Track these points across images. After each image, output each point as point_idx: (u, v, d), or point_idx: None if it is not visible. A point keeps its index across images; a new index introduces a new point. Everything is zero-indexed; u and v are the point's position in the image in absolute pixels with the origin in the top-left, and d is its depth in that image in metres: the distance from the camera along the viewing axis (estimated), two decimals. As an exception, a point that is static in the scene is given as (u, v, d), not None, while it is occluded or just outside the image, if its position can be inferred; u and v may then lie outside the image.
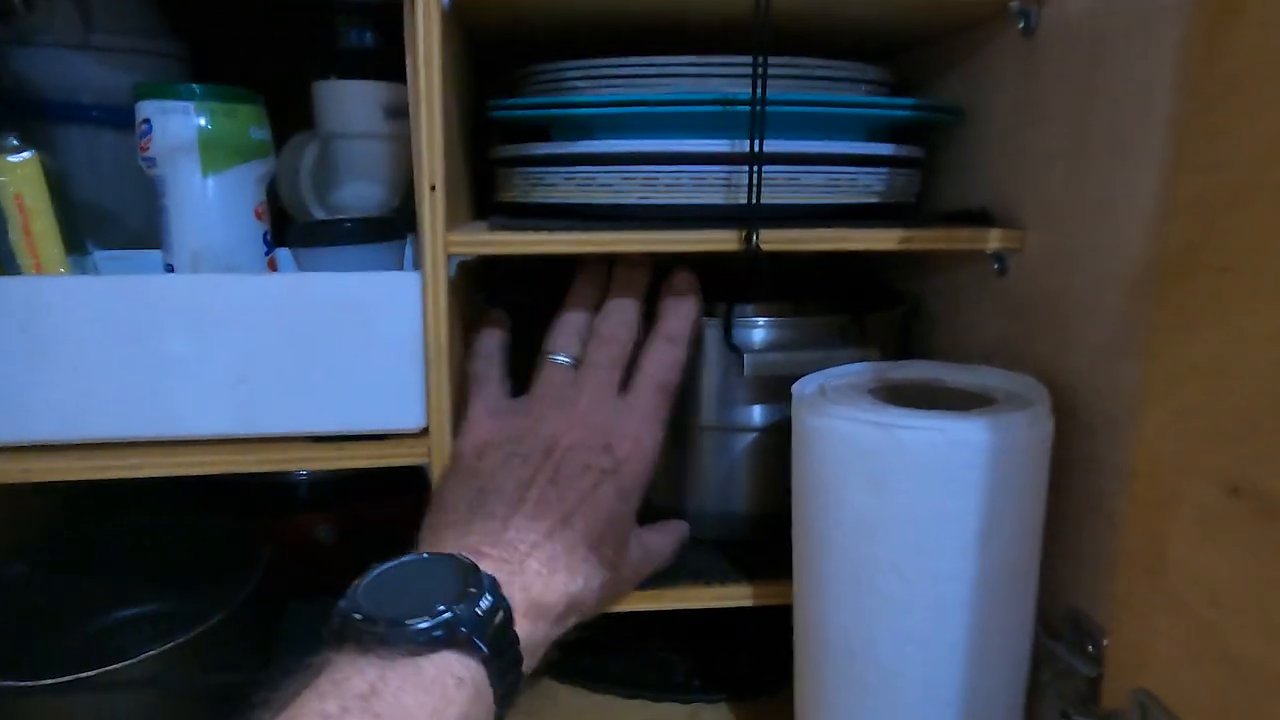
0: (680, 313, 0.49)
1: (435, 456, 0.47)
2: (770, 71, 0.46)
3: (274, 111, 0.50)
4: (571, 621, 0.42)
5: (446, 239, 0.44)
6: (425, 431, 0.46)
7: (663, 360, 0.48)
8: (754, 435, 0.52)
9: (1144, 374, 0.34)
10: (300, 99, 0.57)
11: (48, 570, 0.59)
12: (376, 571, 0.36)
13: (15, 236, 0.43)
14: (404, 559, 0.37)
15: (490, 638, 0.34)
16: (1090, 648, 0.41)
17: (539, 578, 0.39)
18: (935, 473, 0.38)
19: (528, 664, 0.37)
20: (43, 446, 0.44)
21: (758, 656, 0.60)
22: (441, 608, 0.33)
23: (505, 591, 0.36)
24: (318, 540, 0.67)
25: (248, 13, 0.67)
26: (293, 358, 0.44)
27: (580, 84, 0.50)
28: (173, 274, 0.45)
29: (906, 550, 0.39)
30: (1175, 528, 0.33)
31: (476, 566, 0.36)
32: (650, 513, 0.49)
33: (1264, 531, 0.29)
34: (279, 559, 0.63)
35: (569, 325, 0.49)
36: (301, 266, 0.48)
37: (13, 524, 0.62)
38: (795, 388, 0.44)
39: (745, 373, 0.48)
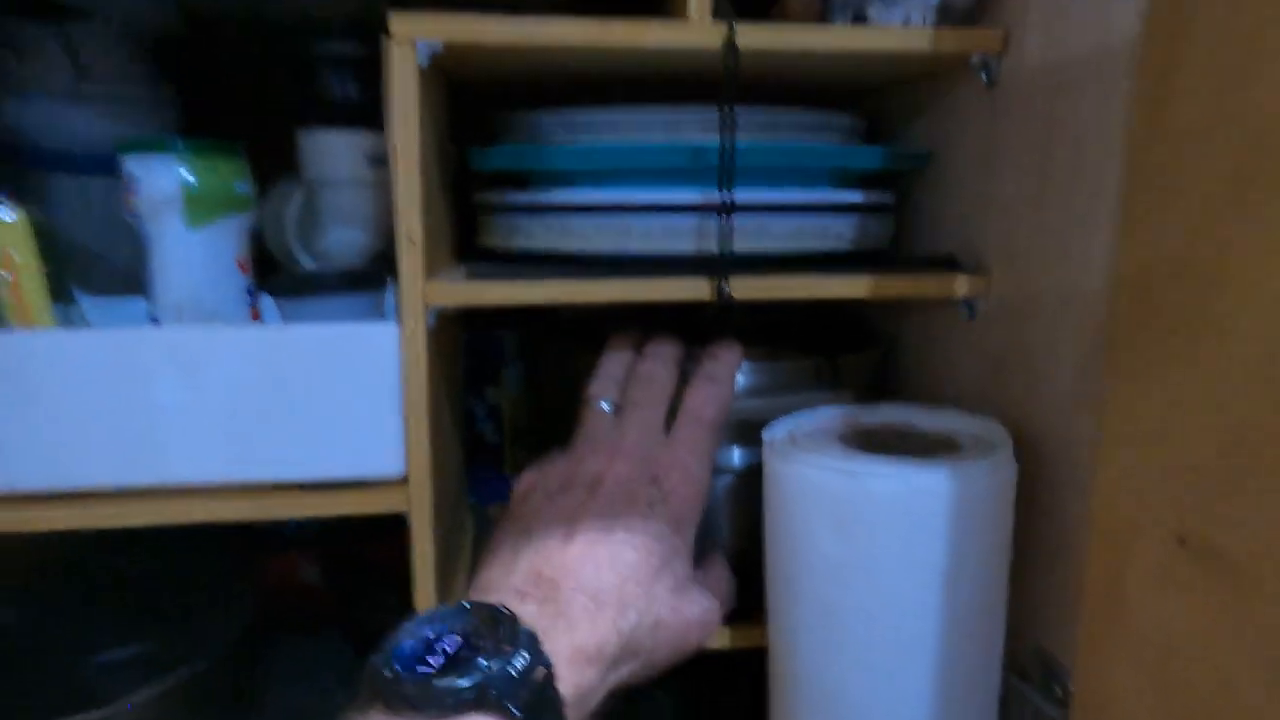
0: (722, 357, 0.49)
1: (414, 505, 0.47)
2: (740, 121, 0.47)
3: (259, 155, 0.51)
4: (629, 668, 0.39)
5: (425, 290, 0.45)
6: (405, 480, 0.47)
7: (705, 396, 0.47)
8: (731, 477, 0.53)
9: (1101, 428, 0.35)
10: (284, 142, 0.59)
11: (33, 613, 0.59)
12: (412, 622, 0.35)
13: (3, 293, 0.44)
14: (441, 609, 0.36)
15: (525, 700, 0.32)
16: (1058, 690, 0.42)
17: (585, 614, 0.37)
18: (901, 520, 0.39)
19: (577, 716, 0.36)
20: (33, 496, 0.45)
21: (740, 696, 0.60)
22: (472, 667, 0.32)
23: (547, 642, 0.34)
24: (302, 580, 0.68)
25: (234, 61, 0.69)
26: (275, 407, 0.45)
27: (557, 133, 0.51)
28: (157, 326, 0.46)
29: (874, 595, 0.40)
30: (1132, 577, 0.34)
31: (515, 618, 0.34)
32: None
33: (1211, 581, 0.30)
34: (264, 598, 0.64)
35: (609, 372, 0.49)
36: (286, 316, 0.49)
37: (-1, 567, 0.62)
38: (766, 433, 0.45)
39: (721, 417, 0.49)
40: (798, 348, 0.57)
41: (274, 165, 0.58)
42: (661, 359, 0.49)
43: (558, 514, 0.41)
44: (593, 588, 0.38)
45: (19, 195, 0.58)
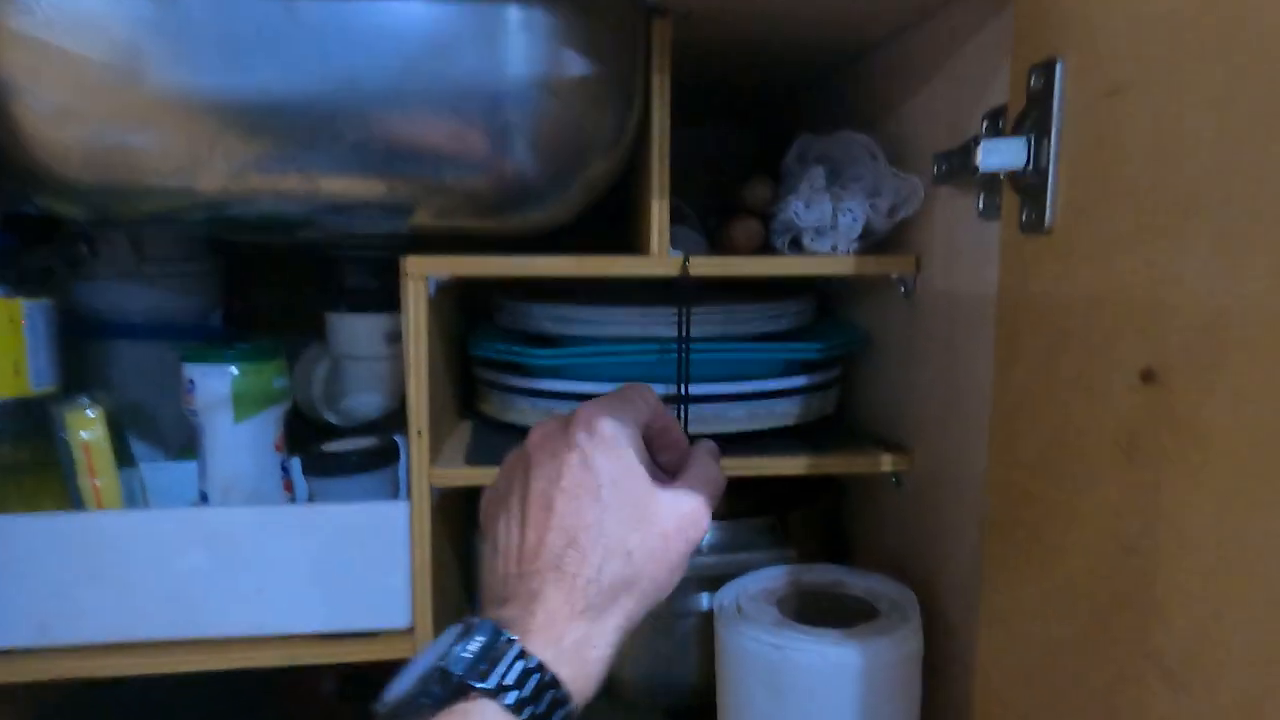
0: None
1: (419, 651, 0.55)
2: (704, 318, 0.57)
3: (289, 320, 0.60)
4: (626, 603, 0.38)
5: (430, 474, 0.54)
6: (411, 630, 0.55)
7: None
8: (693, 618, 0.61)
9: (980, 618, 0.43)
10: (311, 310, 0.68)
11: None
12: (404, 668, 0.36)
13: (81, 478, 0.53)
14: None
15: (486, 670, 0.32)
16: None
17: (551, 584, 0.36)
18: (819, 685, 0.46)
19: (581, 670, 0.36)
20: (102, 647, 0.53)
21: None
22: (428, 667, 0.32)
23: (523, 622, 0.35)
24: (321, 693, 0.75)
25: (267, 250, 0.79)
26: (302, 570, 0.54)
27: (546, 323, 0.61)
28: (206, 507, 0.55)
29: (804, 746, 0.47)
30: (1004, 747, 0.41)
31: (482, 620, 0.35)
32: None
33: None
34: (286, 713, 0.71)
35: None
36: (312, 489, 0.58)
37: (48, 691, 0.70)
38: (716, 599, 0.53)
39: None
40: (753, 499, 0.65)
41: (301, 327, 0.68)
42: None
43: (508, 514, 0.40)
44: (552, 559, 0.37)
45: (83, 362, 0.68)
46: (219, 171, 0.47)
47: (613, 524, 0.38)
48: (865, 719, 0.46)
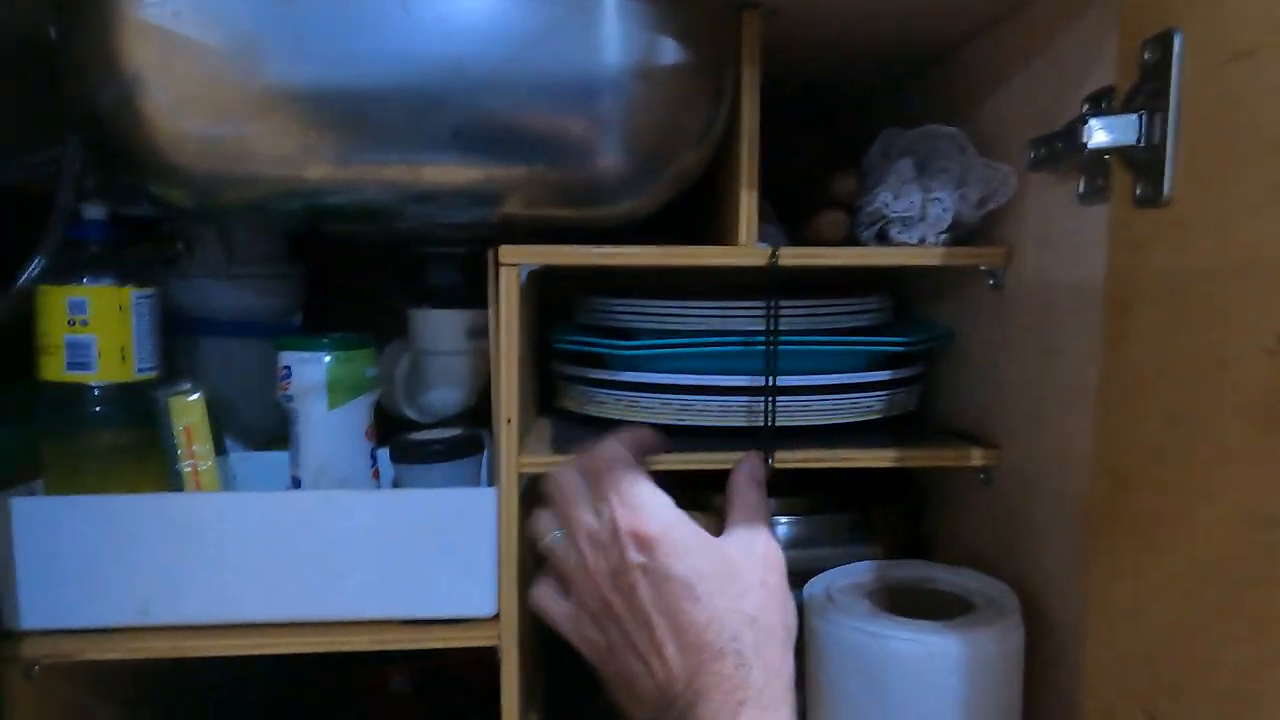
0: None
1: (505, 638, 0.55)
2: (786, 312, 0.56)
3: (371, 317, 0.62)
4: (777, 655, 0.40)
5: (519, 460, 0.54)
6: (496, 617, 0.56)
7: None
8: (776, 616, 0.60)
9: (1089, 609, 0.42)
10: (393, 310, 0.70)
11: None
12: None
13: (182, 461, 0.55)
14: None
15: None
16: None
17: (703, 675, 0.39)
18: (919, 677, 0.46)
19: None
20: (193, 627, 0.54)
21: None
22: None
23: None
24: (393, 689, 0.76)
25: (351, 247, 0.81)
26: (391, 556, 0.54)
27: (628, 318, 0.61)
28: (299, 491, 0.56)
29: (900, 739, 0.46)
30: (1113, 746, 0.40)
31: None
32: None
33: (1175, 754, 0.36)
34: (357, 708, 0.72)
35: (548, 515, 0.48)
36: (399, 477, 0.59)
37: (141, 679, 0.72)
38: (805, 591, 0.52)
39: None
40: (835, 496, 0.64)
41: (378, 325, 0.69)
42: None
43: (628, 658, 0.41)
44: (695, 674, 0.39)
45: (174, 357, 0.70)
46: (325, 160, 0.49)
47: (720, 605, 0.40)
48: (968, 713, 0.45)
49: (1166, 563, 0.37)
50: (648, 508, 0.42)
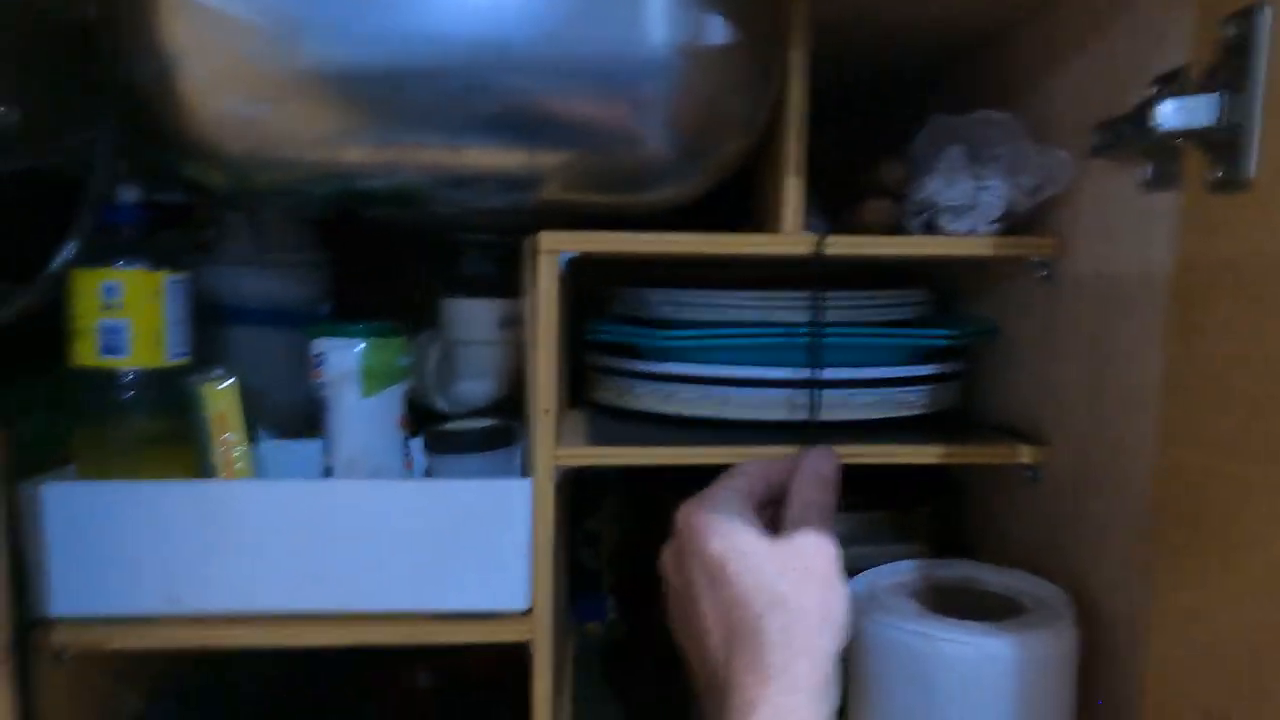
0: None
1: (537, 634, 0.54)
2: (827, 303, 0.55)
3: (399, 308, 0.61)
4: (812, 638, 0.39)
5: (555, 452, 0.53)
6: (529, 612, 0.54)
7: None
8: (814, 616, 0.59)
9: (1150, 611, 0.40)
10: (423, 298, 0.69)
11: (188, 711, 0.68)
12: None
13: (214, 448, 0.54)
14: None
15: None
16: (1122, 842, 0.45)
17: (733, 656, 0.39)
18: (970, 680, 0.44)
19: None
20: (222, 617, 0.53)
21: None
22: None
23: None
24: (416, 686, 0.75)
25: (381, 235, 0.80)
26: (423, 548, 0.53)
27: (664, 309, 0.60)
28: (333, 480, 0.55)
29: (948, 745, 0.45)
30: (1175, 750, 0.38)
31: None
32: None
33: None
34: (378, 703, 0.71)
35: None
36: (431, 467, 0.58)
37: (165, 670, 0.71)
38: (849, 589, 0.50)
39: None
40: (876, 493, 0.63)
41: (406, 315, 0.68)
42: None
43: (688, 640, 0.43)
44: (727, 651, 0.40)
45: (204, 344, 0.70)
46: (363, 142, 0.48)
47: (750, 583, 0.40)
48: (1020, 718, 0.44)
49: (1243, 564, 0.35)
50: (707, 502, 0.43)
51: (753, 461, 0.46)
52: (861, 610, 0.48)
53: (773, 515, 0.45)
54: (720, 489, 0.44)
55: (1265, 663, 0.34)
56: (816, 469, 0.46)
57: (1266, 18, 0.34)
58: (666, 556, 0.44)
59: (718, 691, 0.40)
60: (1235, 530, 0.36)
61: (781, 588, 0.39)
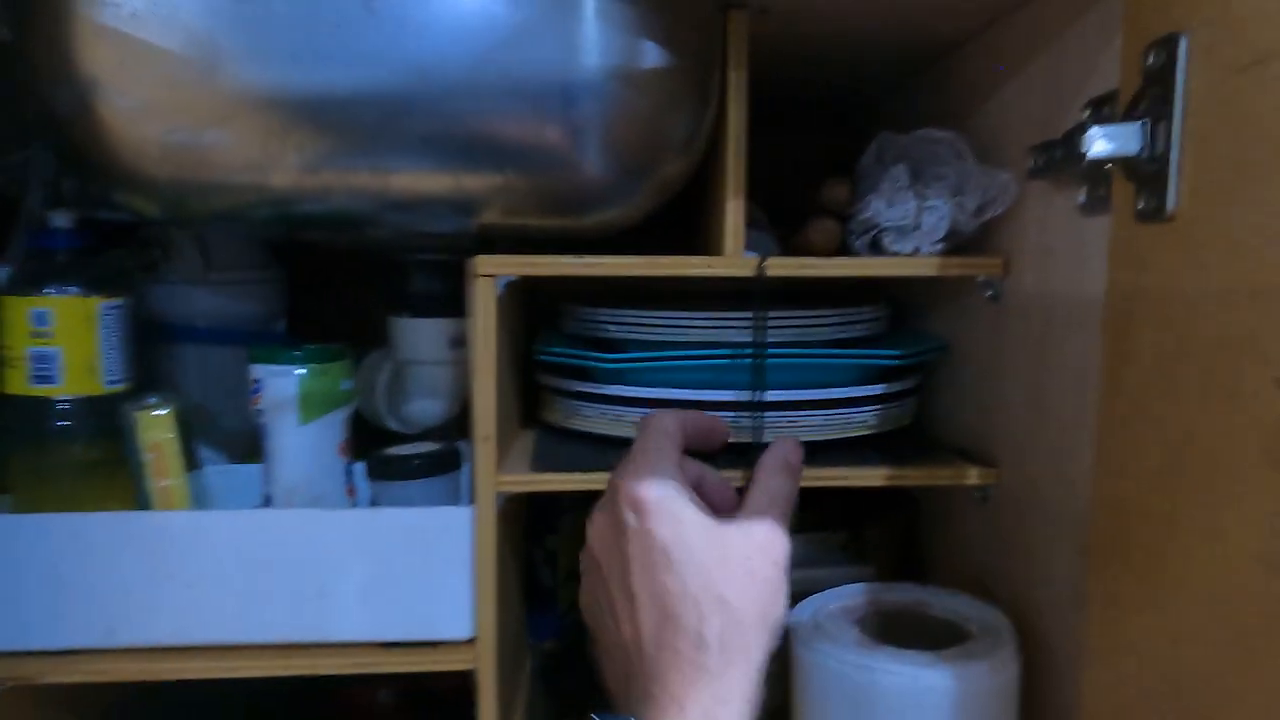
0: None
1: (481, 661, 0.54)
2: (776, 323, 0.54)
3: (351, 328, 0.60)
4: (749, 643, 0.38)
5: (496, 479, 0.52)
6: (473, 640, 0.54)
7: None
8: (765, 638, 0.58)
9: (1089, 640, 0.40)
10: (375, 317, 0.68)
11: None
12: None
13: (150, 478, 0.53)
14: None
15: None
16: None
17: (660, 649, 0.38)
18: (909, 711, 0.43)
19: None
20: (162, 649, 0.53)
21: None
22: None
23: (640, 707, 0.37)
24: (376, 705, 0.74)
25: (339, 253, 0.79)
26: (364, 577, 0.52)
27: (612, 329, 0.59)
28: (270, 510, 0.54)
29: (888, 776, 0.44)
30: (1115, 782, 0.38)
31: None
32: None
33: (1178, 801, 0.34)
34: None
35: None
36: (375, 494, 0.57)
37: (115, 700, 0.70)
38: (791, 617, 0.50)
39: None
40: (827, 512, 0.62)
41: (363, 339, 0.67)
42: None
43: (605, 619, 0.42)
44: (655, 642, 0.39)
45: (149, 366, 0.69)
46: (291, 167, 0.47)
47: (695, 580, 0.38)
48: (958, 749, 0.43)
49: (1170, 600, 0.35)
50: (651, 475, 0.41)
51: (667, 413, 0.45)
52: (803, 640, 0.47)
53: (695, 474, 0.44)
54: (655, 456, 0.42)
55: (1190, 701, 0.34)
56: (785, 456, 0.45)
57: (1187, 46, 0.33)
58: (598, 526, 0.42)
59: (635, 677, 0.39)
60: (1162, 565, 0.35)
61: (724, 590, 0.38)
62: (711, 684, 0.37)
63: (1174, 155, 0.34)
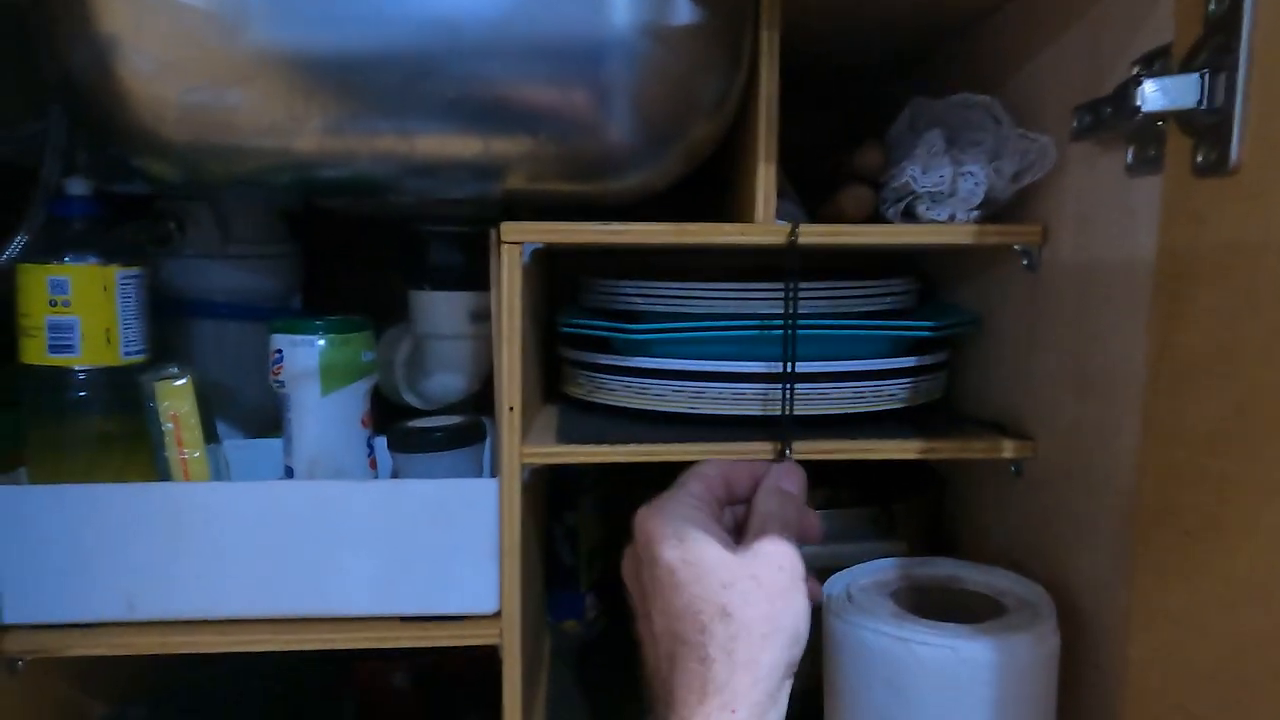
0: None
1: (506, 636, 0.53)
2: (805, 294, 0.53)
3: (371, 300, 0.60)
4: (758, 653, 0.38)
5: (521, 451, 0.51)
6: (498, 614, 0.53)
7: None
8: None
9: (1130, 611, 0.39)
10: (394, 290, 0.67)
11: (161, 714, 0.67)
12: None
13: (170, 449, 0.52)
14: None
15: None
16: None
17: (675, 670, 0.38)
18: (947, 684, 0.42)
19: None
20: (182, 622, 0.52)
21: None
22: None
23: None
24: (393, 685, 0.74)
25: (350, 226, 0.78)
26: (388, 550, 0.52)
27: (637, 301, 0.58)
28: (294, 481, 0.53)
29: (925, 750, 0.43)
30: (1161, 755, 0.37)
31: None
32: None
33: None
34: (357, 702, 0.70)
35: None
36: (397, 466, 0.56)
37: (134, 673, 0.70)
38: (825, 589, 0.49)
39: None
40: (855, 489, 0.61)
41: (383, 308, 0.66)
42: None
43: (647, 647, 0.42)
44: (670, 664, 0.39)
45: (168, 339, 0.68)
46: (314, 129, 0.46)
47: (698, 596, 0.39)
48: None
49: (1226, 566, 0.34)
50: (665, 507, 0.41)
51: (712, 461, 0.45)
52: (837, 611, 0.46)
53: (737, 517, 0.44)
54: (678, 492, 0.42)
55: (1246, 666, 0.33)
56: (778, 484, 0.45)
57: (1253, -9, 0.32)
58: (626, 564, 0.43)
59: (657, 702, 0.39)
60: (1217, 529, 0.34)
61: (726, 599, 0.38)
62: (716, 695, 0.37)
63: (1238, 104, 0.32)
